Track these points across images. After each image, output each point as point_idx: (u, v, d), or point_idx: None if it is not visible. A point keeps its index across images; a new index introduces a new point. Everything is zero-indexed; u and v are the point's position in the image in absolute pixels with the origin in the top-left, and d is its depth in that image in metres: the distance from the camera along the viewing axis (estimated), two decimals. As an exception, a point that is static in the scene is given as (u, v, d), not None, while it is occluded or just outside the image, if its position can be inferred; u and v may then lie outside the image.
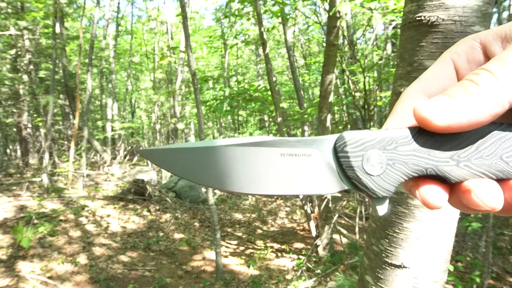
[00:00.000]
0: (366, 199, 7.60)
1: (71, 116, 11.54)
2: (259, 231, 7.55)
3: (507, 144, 0.29)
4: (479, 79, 0.28)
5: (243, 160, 0.31)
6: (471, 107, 0.27)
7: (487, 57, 0.32)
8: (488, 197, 0.28)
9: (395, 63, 1.83)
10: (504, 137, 0.29)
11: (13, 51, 9.87)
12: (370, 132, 0.31)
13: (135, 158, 16.36)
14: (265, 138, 0.31)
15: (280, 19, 6.77)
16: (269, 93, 6.15)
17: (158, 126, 14.66)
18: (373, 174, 0.30)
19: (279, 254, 6.01)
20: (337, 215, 5.97)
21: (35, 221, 5.62)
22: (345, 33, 7.49)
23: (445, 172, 0.29)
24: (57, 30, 9.70)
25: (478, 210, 0.29)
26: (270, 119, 9.93)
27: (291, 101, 14.59)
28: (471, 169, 0.29)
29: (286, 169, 0.31)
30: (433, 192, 0.30)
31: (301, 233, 7.32)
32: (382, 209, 0.32)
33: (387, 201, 0.31)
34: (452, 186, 0.31)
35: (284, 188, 0.31)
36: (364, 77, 5.54)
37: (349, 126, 8.73)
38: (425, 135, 0.30)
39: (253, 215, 8.71)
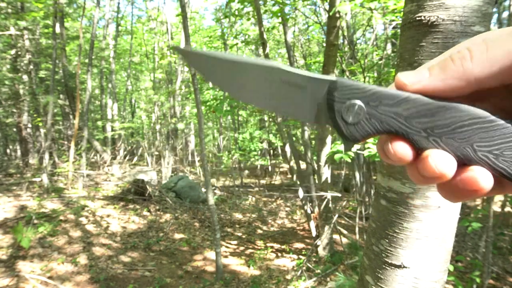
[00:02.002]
0: (367, 200, 7.60)
1: (71, 116, 11.53)
2: (259, 231, 7.55)
3: (485, 135, 0.29)
4: (456, 56, 0.30)
5: (255, 78, 0.37)
6: (440, 79, 0.30)
7: None
8: (441, 163, 0.29)
9: (395, 63, 1.83)
10: (486, 128, 0.29)
11: (13, 51, 9.86)
12: (363, 85, 0.33)
13: (135, 158, 16.37)
14: (278, 64, 0.36)
15: (280, 19, 6.76)
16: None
17: (158, 126, 14.64)
18: (348, 121, 0.34)
19: (279, 254, 6.01)
20: (337, 215, 5.97)
21: (35, 221, 5.62)
22: (345, 33, 7.48)
23: (413, 140, 0.31)
24: (57, 30, 9.69)
25: (428, 180, 0.30)
26: (270, 119, 9.93)
27: (291, 101, 14.54)
28: (438, 144, 0.31)
29: (282, 92, 0.36)
30: (404, 149, 0.32)
31: (301, 233, 7.32)
32: (348, 147, 0.36)
33: (354, 145, 0.35)
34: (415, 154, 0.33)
35: (274, 106, 0.37)
36: (364, 77, 5.54)
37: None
38: (409, 102, 0.32)
39: (253, 215, 8.71)
